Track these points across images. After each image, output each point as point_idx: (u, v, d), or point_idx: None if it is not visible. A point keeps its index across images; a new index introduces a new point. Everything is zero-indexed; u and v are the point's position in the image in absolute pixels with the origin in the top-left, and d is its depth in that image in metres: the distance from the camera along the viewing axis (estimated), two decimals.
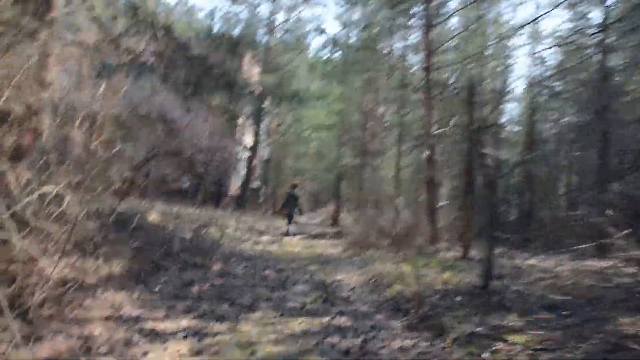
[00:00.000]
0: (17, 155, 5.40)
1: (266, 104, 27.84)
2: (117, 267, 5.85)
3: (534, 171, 21.94)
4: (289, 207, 17.49)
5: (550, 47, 22.72)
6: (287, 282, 7.27)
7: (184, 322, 4.46)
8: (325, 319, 5.22)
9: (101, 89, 14.21)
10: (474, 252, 12.25)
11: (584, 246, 16.27)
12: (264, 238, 14.40)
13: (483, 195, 10.14)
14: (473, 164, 12.46)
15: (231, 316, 4.86)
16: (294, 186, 18.84)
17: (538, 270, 9.44)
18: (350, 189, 30.86)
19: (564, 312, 5.82)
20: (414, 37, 18.74)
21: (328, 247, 13.64)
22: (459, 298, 6.35)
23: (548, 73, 24.43)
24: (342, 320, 5.25)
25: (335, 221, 27.26)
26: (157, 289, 5.62)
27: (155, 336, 3.99)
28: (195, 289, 5.88)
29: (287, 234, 16.67)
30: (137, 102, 14.29)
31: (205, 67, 8.89)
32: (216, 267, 7.50)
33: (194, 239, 9.01)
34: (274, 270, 8.30)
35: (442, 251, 13.20)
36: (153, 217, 10.81)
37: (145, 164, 13.77)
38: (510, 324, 5.13)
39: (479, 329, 4.85)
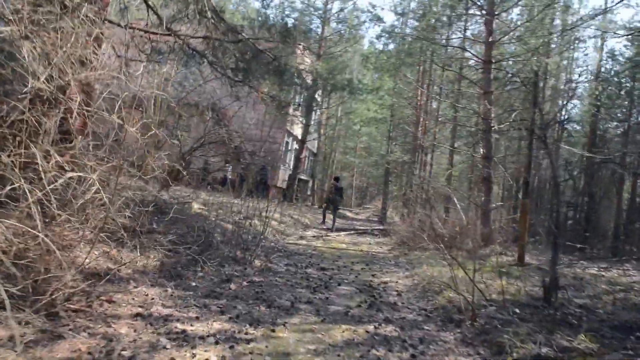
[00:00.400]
0: (62, 138, 5.19)
1: (317, 95, 27.53)
2: (153, 259, 5.58)
3: (595, 172, 20.68)
4: (332, 200, 17.37)
5: (621, 38, 21.23)
6: (331, 283, 6.85)
7: (217, 325, 4.11)
8: (371, 327, 4.78)
9: (150, 74, 14.25)
10: (530, 258, 11.55)
11: None
12: (309, 233, 14.06)
13: (546, 197, 9.37)
14: (532, 164, 11.70)
15: (268, 320, 4.48)
16: (337, 179, 18.60)
17: (603, 282, 8.68)
18: (398, 185, 30.21)
19: None
20: (474, 27, 17.93)
21: (374, 246, 13.17)
22: (518, 311, 5.77)
23: (617, 68, 23.02)
24: (389, 330, 4.79)
25: (382, 218, 26.73)
26: (193, 285, 5.31)
27: (184, 340, 3.65)
28: (232, 286, 5.54)
29: (330, 229, 16.43)
30: (186, 88, 14.20)
31: (255, 52, 8.57)
32: (257, 262, 7.17)
33: (236, 231, 8.71)
34: (317, 269, 7.90)
35: (495, 255, 12.49)
36: (195, 207, 10.62)
37: (191, 153, 13.66)
38: (579, 345, 4.54)
39: (544, 350, 4.29)
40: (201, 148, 14.08)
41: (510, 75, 14.78)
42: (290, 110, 21.39)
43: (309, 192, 32.84)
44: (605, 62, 23.68)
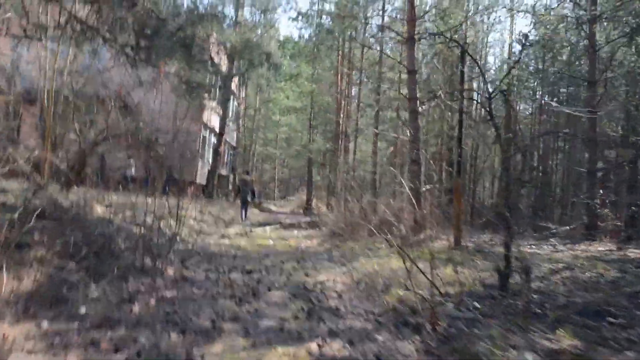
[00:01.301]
0: None
1: (234, 84, 26.16)
2: (27, 280, 4.30)
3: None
4: (242, 192, 17.40)
5: (529, 21, 21.56)
6: (260, 289, 5.83)
7: None
8: (314, 346, 3.82)
9: (44, 61, 12.45)
10: (463, 240, 11.09)
11: (565, 228, 15.36)
12: (232, 230, 12.90)
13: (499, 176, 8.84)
14: (462, 141, 11.21)
15: (180, 353, 3.39)
16: (247, 172, 18.22)
17: (541, 260, 8.26)
18: (322, 174, 29.53)
19: (614, 320, 4.60)
20: (394, 6, 17.40)
21: (303, 239, 12.25)
22: (477, 305, 5.03)
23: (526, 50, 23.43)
24: (336, 347, 3.85)
25: (307, 209, 25.89)
26: (81, 312, 4.09)
27: None
28: (135, 307, 4.37)
29: (244, 219, 16.15)
30: (82, 73, 12.55)
31: (157, 24, 7.31)
32: (170, 271, 6.01)
33: (146, 235, 7.45)
34: (243, 272, 6.84)
35: (428, 240, 11.96)
36: (98, 210, 9.21)
37: (93, 148, 12.08)
38: (562, 344, 3.82)
39: (530, 358, 3.52)
40: (104, 143, 12.52)
41: (434, 53, 14.29)
42: (206, 100, 20.03)
43: (230, 187, 31.43)
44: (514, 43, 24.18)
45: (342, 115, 22.99)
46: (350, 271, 7.37)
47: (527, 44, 8.40)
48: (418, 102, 13.44)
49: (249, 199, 17.46)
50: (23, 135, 15.51)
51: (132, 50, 8.54)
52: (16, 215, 4.46)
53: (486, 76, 9.45)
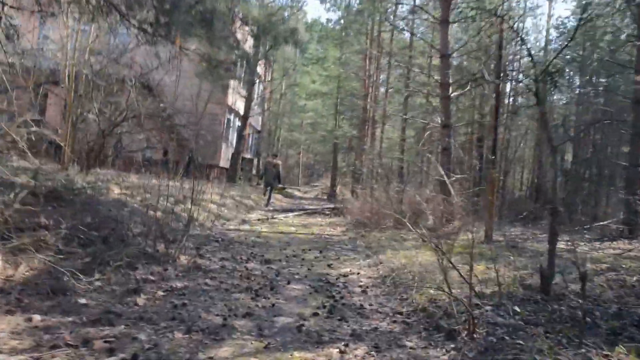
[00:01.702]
0: None
1: (259, 67, 25.72)
2: (25, 268, 3.95)
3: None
4: (267, 176, 16.96)
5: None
6: (278, 281, 5.41)
7: None
8: (335, 352, 3.38)
9: (67, 42, 12.19)
10: (497, 234, 10.55)
11: (602, 224, 14.64)
12: (253, 215, 12.54)
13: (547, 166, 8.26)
14: (497, 129, 10.60)
15: (182, 357, 2.98)
16: (275, 155, 17.87)
17: (581, 259, 7.63)
18: (347, 161, 29.00)
19: None
20: None
21: (326, 227, 11.82)
22: (517, 309, 4.53)
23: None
24: (360, 354, 3.40)
25: (331, 196, 25.46)
26: (81, 302, 3.73)
27: None
28: (140, 299, 3.99)
29: (267, 205, 15.84)
30: (103, 52, 12.25)
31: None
32: (183, 259, 5.62)
33: (161, 219, 7.10)
34: (261, 262, 6.43)
35: (457, 233, 11.41)
36: (115, 192, 8.90)
37: (112, 129, 11.80)
38: None
39: None
40: (124, 124, 12.22)
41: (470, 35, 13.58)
42: (229, 81, 19.62)
43: (254, 172, 31.16)
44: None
45: (369, 101, 22.38)
46: (376, 264, 6.91)
47: (585, 17, 7.68)
48: (450, 87, 12.82)
49: (274, 184, 16.95)
50: (49, 116, 15.38)
51: (151, 26, 8.16)
52: (12, 196, 4.08)
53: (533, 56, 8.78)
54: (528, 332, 3.92)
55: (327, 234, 10.41)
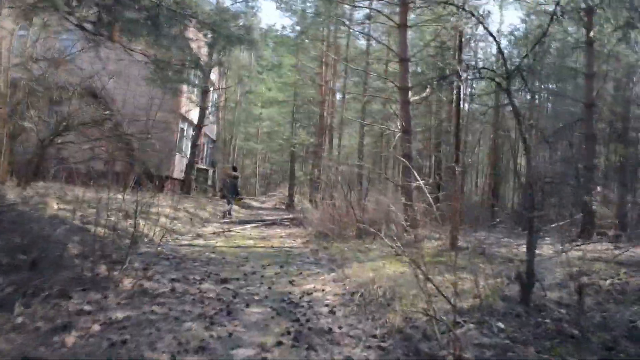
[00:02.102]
0: None
1: (214, 77, 25.01)
2: None
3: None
4: (226, 189, 17.25)
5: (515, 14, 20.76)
6: (236, 304, 4.84)
7: None
8: None
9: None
10: (461, 241, 10.27)
11: (560, 224, 14.65)
12: (209, 229, 11.87)
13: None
14: (459, 130, 10.35)
15: None
16: (234, 168, 17.65)
17: (550, 263, 7.42)
18: (305, 170, 28.55)
19: None
20: None
21: (286, 239, 11.27)
22: (502, 325, 4.12)
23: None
24: None
25: (290, 205, 24.90)
26: None
27: None
28: (70, 338, 3.35)
29: (226, 215, 15.61)
30: (43, 57, 11.39)
31: None
32: (127, 282, 4.98)
33: (105, 237, 6.43)
34: (217, 281, 5.83)
35: (422, 240, 11.09)
36: (54, 207, 8.12)
37: (53, 139, 10.93)
38: None
39: None
40: (66, 133, 11.35)
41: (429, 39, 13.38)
42: (184, 90, 18.87)
43: (209, 183, 30.28)
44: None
45: (326, 108, 22.01)
46: (341, 278, 6.42)
47: (560, 13, 7.49)
48: (410, 92, 12.54)
49: (233, 196, 17.07)
50: None
51: (93, 25, 7.50)
52: None
53: (479, 64, 8.65)
54: (519, 353, 3.51)
55: (288, 247, 9.87)
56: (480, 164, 27.41)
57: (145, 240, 8.02)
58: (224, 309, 4.56)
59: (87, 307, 4.05)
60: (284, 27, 21.50)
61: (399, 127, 12.77)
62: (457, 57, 11.59)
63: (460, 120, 10.31)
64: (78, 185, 10.80)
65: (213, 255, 7.74)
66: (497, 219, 15.11)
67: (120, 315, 4.01)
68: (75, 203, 8.63)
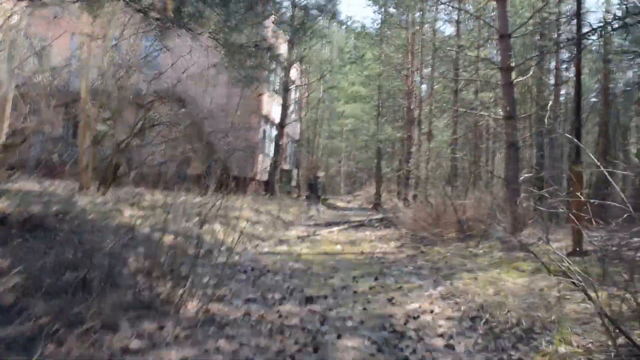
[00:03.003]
0: None
1: (295, 74, 24.36)
2: None
3: None
4: (314, 191, 17.24)
5: None
6: (324, 334, 3.80)
7: None
8: None
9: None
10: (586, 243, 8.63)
11: None
12: (293, 233, 10.98)
13: None
14: (579, 109, 8.72)
15: None
16: (316, 168, 17.07)
17: None
18: (392, 166, 27.24)
19: None
20: None
21: (377, 243, 10.13)
22: None
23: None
24: None
25: (377, 205, 23.71)
26: None
27: None
28: None
29: (317, 223, 14.23)
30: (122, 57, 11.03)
31: None
32: (192, 306, 4.08)
33: (177, 247, 5.63)
34: (300, 302, 4.81)
35: (533, 243, 9.55)
36: (126, 214, 7.51)
37: (129, 141, 10.51)
38: None
39: None
40: (144, 134, 10.92)
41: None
42: (266, 93, 18.32)
43: (293, 183, 29.77)
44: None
45: (413, 99, 20.61)
46: (452, 294, 5.20)
47: None
48: (512, 73, 10.99)
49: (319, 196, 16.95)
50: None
51: (159, 13, 6.77)
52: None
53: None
54: None
55: (380, 252, 8.74)
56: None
57: (222, 248, 7.21)
58: (309, 343, 3.52)
59: (135, 344, 3.16)
60: (364, 18, 20.42)
61: (502, 112, 11.26)
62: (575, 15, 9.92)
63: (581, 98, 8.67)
64: (159, 188, 10.30)
65: (297, 266, 6.77)
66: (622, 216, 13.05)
67: (175, 356, 3.08)
68: (151, 209, 8.04)
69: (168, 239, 5.41)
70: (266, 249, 8.28)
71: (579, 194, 8.56)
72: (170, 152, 12.20)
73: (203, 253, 5.56)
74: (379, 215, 15.90)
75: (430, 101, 19.65)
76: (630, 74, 21.62)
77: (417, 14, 19.42)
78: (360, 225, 13.95)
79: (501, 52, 11.17)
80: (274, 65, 22.08)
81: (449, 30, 18.76)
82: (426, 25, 19.82)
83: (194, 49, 8.64)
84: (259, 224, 10.73)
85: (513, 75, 10.93)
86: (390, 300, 5.04)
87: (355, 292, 5.33)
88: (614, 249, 9.10)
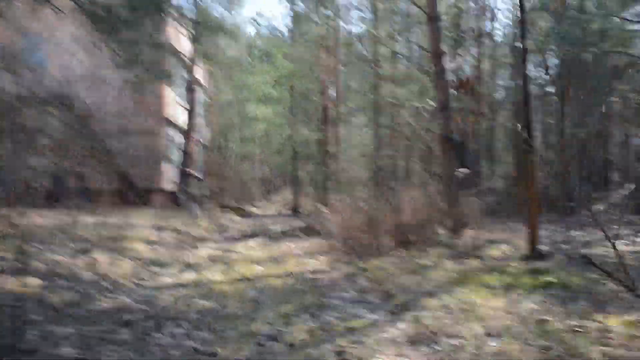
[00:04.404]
0: None
1: (200, 73, 22.37)
2: None
3: None
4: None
5: None
6: None
7: None
8: None
9: None
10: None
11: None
12: (203, 252, 9.19)
13: None
14: (528, 94, 7.72)
15: None
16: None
17: None
18: (309, 169, 25.95)
19: None
20: None
21: (305, 258, 8.59)
22: None
23: None
24: None
25: (296, 210, 22.21)
26: None
27: None
28: None
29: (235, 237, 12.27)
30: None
31: None
32: None
33: (20, 301, 3.82)
34: None
35: (482, 246, 8.47)
36: None
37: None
38: None
39: None
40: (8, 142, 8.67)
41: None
42: (170, 95, 16.26)
43: (206, 193, 27.60)
44: None
45: (328, 95, 19.37)
46: (425, 338, 3.75)
47: None
48: (444, 57, 9.92)
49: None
50: None
51: None
52: None
53: None
54: None
55: (311, 271, 7.21)
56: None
57: (105, 285, 5.37)
58: None
59: None
60: (274, 14, 18.94)
61: (435, 103, 10.17)
62: None
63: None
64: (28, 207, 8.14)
65: (207, 304, 5.04)
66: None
67: None
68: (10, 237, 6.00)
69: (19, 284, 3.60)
70: (168, 279, 6.48)
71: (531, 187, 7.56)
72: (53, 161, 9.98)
73: (71, 300, 3.80)
74: (300, 223, 14.37)
75: (347, 99, 18.46)
76: None
77: (331, 8, 18.19)
78: (282, 234, 12.37)
79: (430, 36, 10.08)
80: (174, 61, 20.09)
81: (367, 22, 17.54)
82: (340, 21, 18.68)
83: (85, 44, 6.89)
84: (160, 244, 8.85)
85: (445, 61, 9.86)
86: (339, 354, 3.51)
87: (290, 345, 3.75)
88: (569, 247, 8.17)
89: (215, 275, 6.82)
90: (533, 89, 19.80)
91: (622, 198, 16.37)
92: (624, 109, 18.44)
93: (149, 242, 8.67)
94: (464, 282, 5.56)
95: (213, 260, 8.16)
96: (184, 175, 19.66)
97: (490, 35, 16.94)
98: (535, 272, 5.87)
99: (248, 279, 6.53)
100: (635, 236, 9.40)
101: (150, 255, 7.74)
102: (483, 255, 7.51)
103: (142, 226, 10.30)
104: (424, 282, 5.69)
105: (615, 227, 10.79)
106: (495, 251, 7.96)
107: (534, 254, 7.04)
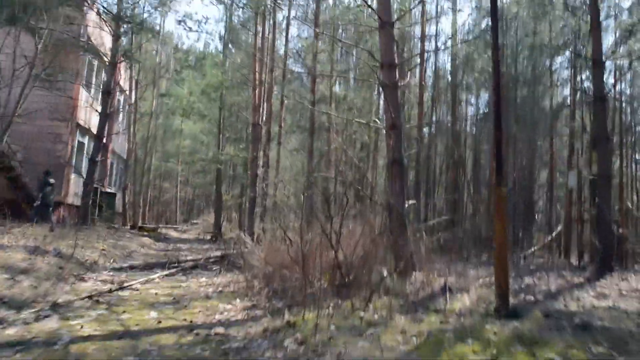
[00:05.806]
0: None
1: (119, 74, 20.13)
2: None
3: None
4: (45, 197, 13.22)
5: None
6: None
7: None
8: None
9: None
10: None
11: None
12: (87, 285, 7.14)
13: None
14: (500, 115, 6.44)
15: None
16: (47, 172, 13.64)
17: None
18: (235, 191, 24.05)
19: None
20: None
21: (216, 301, 6.80)
22: None
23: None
24: None
25: (216, 236, 20.19)
26: None
27: None
28: None
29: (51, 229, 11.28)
30: None
31: None
32: None
33: None
34: None
35: (434, 295, 7.02)
36: None
37: None
38: None
39: None
40: None
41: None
42: (82, 97, 14.09)
43: (120, 210, 24.97)
44: None
45: (261, 114, 17.75)
46: None
47: None
48: (397, 70, 8.59)
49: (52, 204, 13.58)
50: None
51: None
52: None
53: None
54: None
55: (222, 322, 5.45)
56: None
57: None
58: None
59: None
60: (207, 17, 17.15)
61: (384, 120, 8.79)
62: None
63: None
64: None
65: None
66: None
67: None
68: None
69: None
70: (11, 330, 4.50)
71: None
72: None
73: None
74: (218, 252, 12.49)
75: (282, 116, 16.90)
76: None
77: (268, 15, 16.69)
78: (194, 266, 10.46)
79: (382, 44, 8.73)
80: (90, 57, 17.90)
81: (308, 31, 16.26)
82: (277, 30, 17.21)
83: None
84: (29, 273, 6.75)
85: (397, 74, 8.51)
86: None
87: None
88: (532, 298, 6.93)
89: (85, 325, 4.88)
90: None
91: (550, 241, 15.75)
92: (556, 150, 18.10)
93: (13, 271, 6.58)
94: (432, 353, 4.01)
95: (94, 299, 6.17)
96: (90, 189, 17.20)
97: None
98: (522, 339, 4.43)
99: (131, 334, 4.66)
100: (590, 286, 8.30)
101: (6, 290, 5.68)
102: (441, 308, 6.03)
103: (14, 247, 8.14)
104: (376, 353, 4.09)
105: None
106: (456, 303, 6.51)
107: (507, 311, 5.64)
